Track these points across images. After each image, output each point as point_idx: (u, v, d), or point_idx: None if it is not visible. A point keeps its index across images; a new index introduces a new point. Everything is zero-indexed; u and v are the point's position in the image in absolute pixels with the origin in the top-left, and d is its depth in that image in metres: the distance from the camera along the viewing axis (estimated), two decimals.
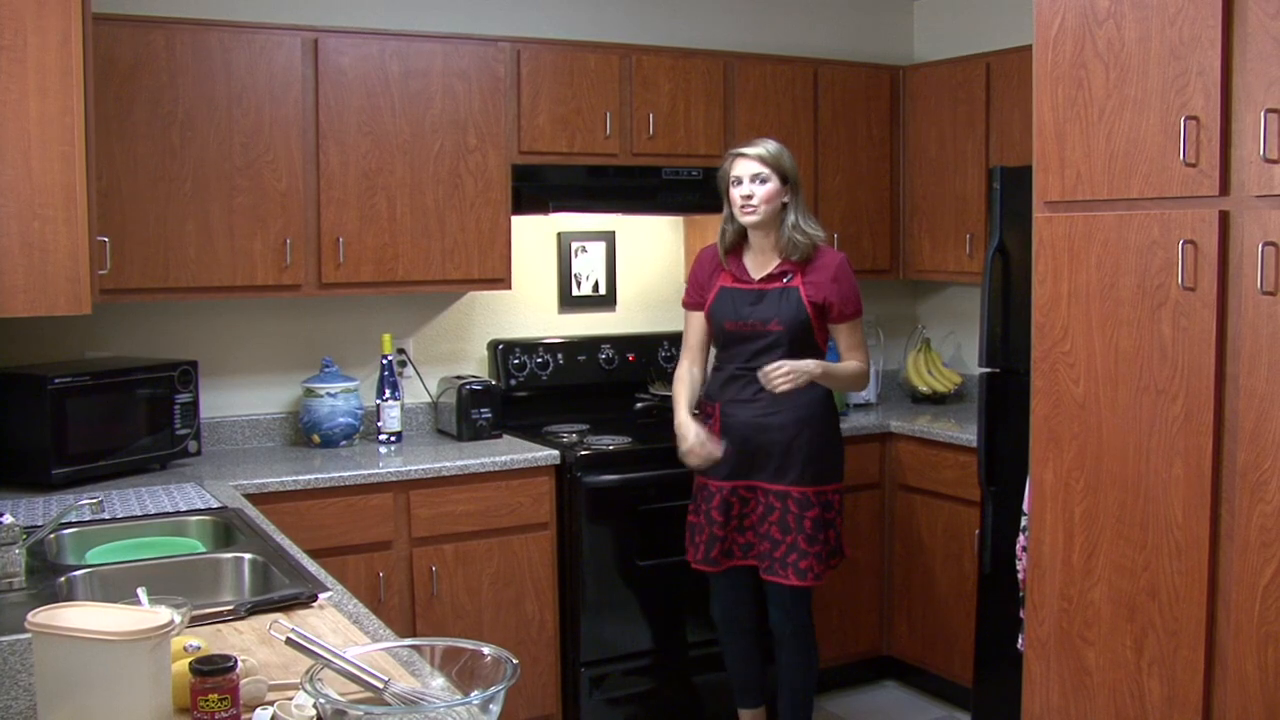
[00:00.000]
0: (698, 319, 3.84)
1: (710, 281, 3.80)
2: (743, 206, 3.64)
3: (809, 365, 3.58)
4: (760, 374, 3.56)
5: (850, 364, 3.75)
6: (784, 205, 3.66)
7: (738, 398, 3.70)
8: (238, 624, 2.10)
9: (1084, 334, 3.02)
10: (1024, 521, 3.38)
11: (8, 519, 2.43)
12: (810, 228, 3.67)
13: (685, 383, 3.83)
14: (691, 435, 3.70)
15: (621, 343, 4.74)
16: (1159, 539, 2.86)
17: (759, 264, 3.73)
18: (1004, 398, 3.89)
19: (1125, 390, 2.92)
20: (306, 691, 1.58)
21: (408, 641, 1.90)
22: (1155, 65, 2.81)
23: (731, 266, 3.76)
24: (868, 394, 5.00)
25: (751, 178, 3.64)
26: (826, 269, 3.65)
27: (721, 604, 3.89)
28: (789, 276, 3.66)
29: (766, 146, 3.68)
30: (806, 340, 3.65)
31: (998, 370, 3.94)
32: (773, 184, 3.63)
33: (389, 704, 1.64)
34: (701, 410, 3.79)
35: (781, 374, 3.53)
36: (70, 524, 2.88)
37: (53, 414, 3.42)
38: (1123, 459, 2.94)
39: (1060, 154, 3.05)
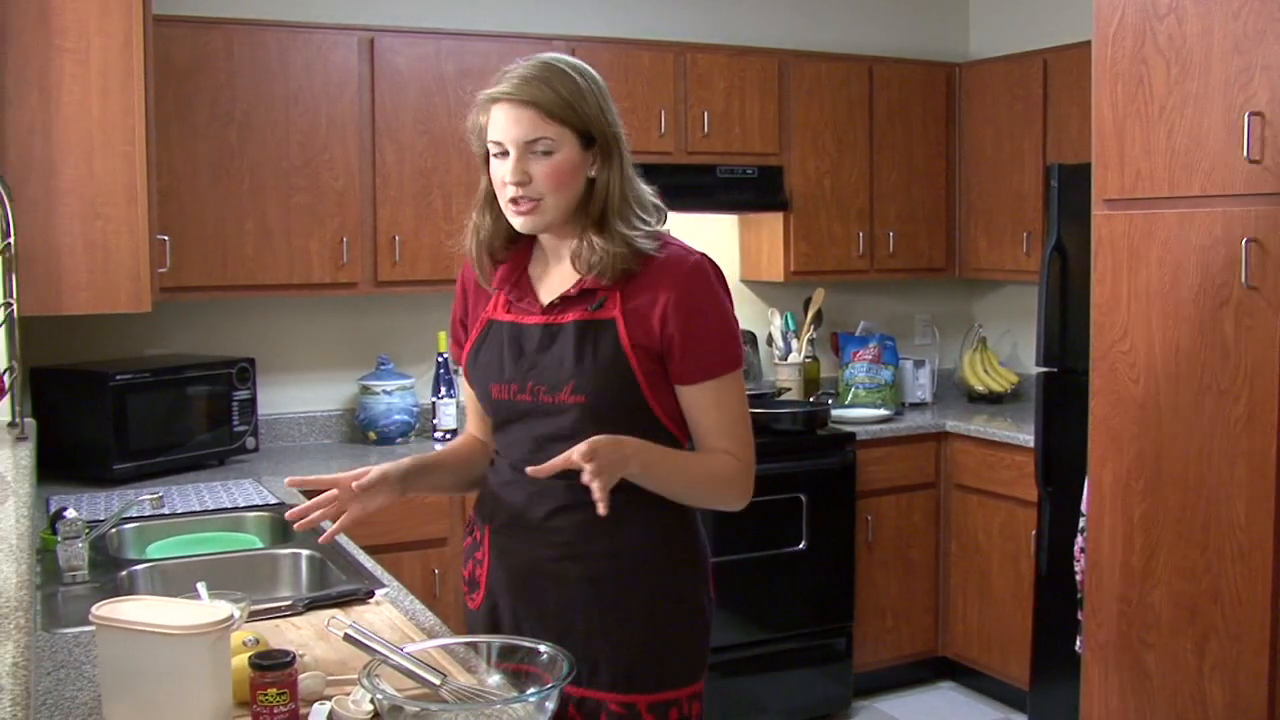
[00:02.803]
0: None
1: (475, 313, 2.15)
2: (512, 199, 1.97)
3: (619, 451, 1.84)
4: (530, 470, 1.85)
5: (710, 459, 2.00)
6: (590, 182, 1.99)
7: (519, 519, 2.04)
8: (295, 619, 2.11)
9: (1144, 333, 2.98)
10: (1082, 522, 3.34)
11: (71, 513, 2.47)
12: (636, 220, 1.99)
13: (454, 446, 2.25)
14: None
15: None
16: (1221, 541, 2.82)
17: (553, 277, 2.07)
18: (1062, 397, 3.85)
19: (1186, 390, 2.88)
20: (364, 687, 1.59)
21: (464, 638, 1.91)
22: (1218, 60, 2.76)
23: (502, 283, 2.09)
24: (922, 393, 4.94)
25: (524, 146, 1.95)
26: (666, 283, 1.96)
27: None
28: (600, 300, 1.98)
29: (540, 76, 1.96)
30: (633, 417, 1.96)
31: (1055, 369, 3.90)
32: (564, 153, 1.95)
33: (446, 701, 1.65)
34: (470, 534, 2.18)
35: (588, 474, 1.78)
36: (131, 519, 2.92)
37: (114, 410, 3.47)
38: (1183, 460, 2.89)
39: (1120, 151, 3.01)
